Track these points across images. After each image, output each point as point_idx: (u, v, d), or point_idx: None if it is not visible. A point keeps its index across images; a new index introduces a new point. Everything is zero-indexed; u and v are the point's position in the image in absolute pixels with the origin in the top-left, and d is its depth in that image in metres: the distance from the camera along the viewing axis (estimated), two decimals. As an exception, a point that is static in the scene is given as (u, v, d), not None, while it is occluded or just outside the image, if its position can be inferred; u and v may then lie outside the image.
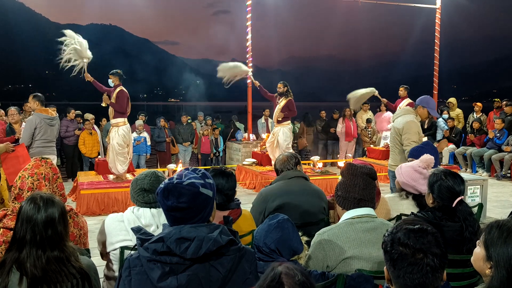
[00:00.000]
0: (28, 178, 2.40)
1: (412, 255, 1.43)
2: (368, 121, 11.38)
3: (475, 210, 2.85)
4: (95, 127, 9.77)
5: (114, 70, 6.97)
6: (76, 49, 6.49)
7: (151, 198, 2.46)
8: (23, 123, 6.13)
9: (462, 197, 2.47)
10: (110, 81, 6.92)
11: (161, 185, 1.66)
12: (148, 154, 10.02)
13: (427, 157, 3.09)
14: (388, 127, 11.04)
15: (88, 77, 6.69)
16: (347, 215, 2.28)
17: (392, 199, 3.16)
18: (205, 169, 1.85)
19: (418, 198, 3.04)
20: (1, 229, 2.30)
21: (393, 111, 9.75)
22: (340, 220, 2.31)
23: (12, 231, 2.27)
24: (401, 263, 1.44)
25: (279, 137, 8.22)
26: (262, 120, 11.79)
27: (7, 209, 2.41)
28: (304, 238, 2.22)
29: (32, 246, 1.81)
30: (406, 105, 9.13)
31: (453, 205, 2.44)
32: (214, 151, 10.78)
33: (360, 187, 2.25)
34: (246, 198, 6.88)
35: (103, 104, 6.89)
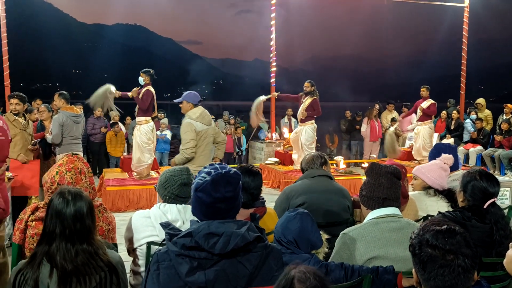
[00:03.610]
0: (66, 173, 2.46)
1: (442, 256, 1.40)
2: (393, 120, 11.25)
3: (505, 212, 2.78)
4: (121, 125, 9.93)
5: (147, 69, 7.09)
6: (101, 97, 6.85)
7: (189, 192, 2.48)
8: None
9: (495, 199, 2.41)
10: (141, 79, 7.04)
11: (206, 179, 1.66)
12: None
13: (446, 155, 3.35)
14: (408, 128, 10.91)
15: (118, 94, 6.93)
16: (372, 214, 2.26)
17: (417, 197, 3.14)
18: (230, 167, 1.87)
19: (449, 195, 3.07)
20: (34, 222, 2.37)
21: (413, 112, 9.60)
22: (365, 220, 2.29)
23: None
24: (432, 266, 1.41)
25: (302, 136, 8.19)
26: (285, 119, 11.77)
27: (39, 203, 2.47)
28: (324, 236, 2.20)
29: (62, 240, 1.85)
30: (428, 106, 9.00)
31: (485, 206, 2.39)
32: (237, 150, 10.82)
33: (385, 186, 2.23)
34: (269, 197, 6.87)
35: (130, 95, 7.04)
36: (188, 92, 5.04)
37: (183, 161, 4.72)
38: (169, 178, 2.51)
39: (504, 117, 10.52)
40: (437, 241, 1.42)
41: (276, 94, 8.48)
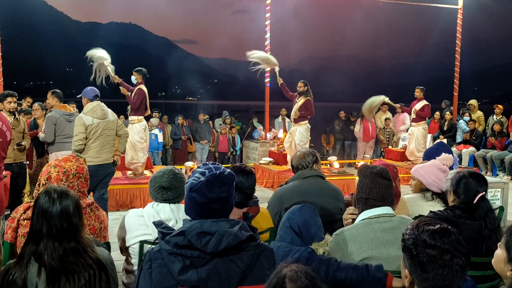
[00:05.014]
0: (52, 168, 2.46)
1: (440, 256, 1.41)
2: (386, 119, 11.31)
3: (496, 212, 2.81)
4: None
5: (139, 68, 7.08)
6: (97, 59, 6.59)
7: (170, 195, 2.49)
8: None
9: (484, 193, 2.44)
10: (133, 78, 7.05)
11: (200, 179, 1.66)
12: (160, 151, 10.11)
13: (446, 156, 3.13)
14: (401, 128, 10.97)
15: (116, 78, 6.82)
16: (364, 214, 2.28)
17: (414, 200, 3.04)
18: (224, 167, 1.87)
19: (445, 198, 2.89)
20: (26, 221, 2.36)
21: (409, 113, 9.69)
22: (357, 220, 2.31)
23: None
24: (431, 266, 1.42)
25: (295, 137, 8.20)
26: (279, 119, 11.80)
27: (31, 201, 2.47)
28: (328, 237, 2.16)
29: (49, 239, 1.84)
30: (422, 107, 9.07)
31: (475, 201, 2.42)
32: (232, 149, 10.82)
33: (368, 187, 2.24)
34: (263, 196, 6.89)
35: (122, 91, 7.02)
36: (86, 88, 5.38)
37: (74, 153, 4.99)
38: (152, 179, 2.55)
39: (495, 117, 10.61)
40: (435, 241, 1.43)
41: (281, 81, 8.45)
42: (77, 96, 5.42)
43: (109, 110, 5.37)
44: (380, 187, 2.24)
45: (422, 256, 1.43)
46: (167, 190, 2.49)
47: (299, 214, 2.12)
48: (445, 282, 1.41)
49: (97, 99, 5.28)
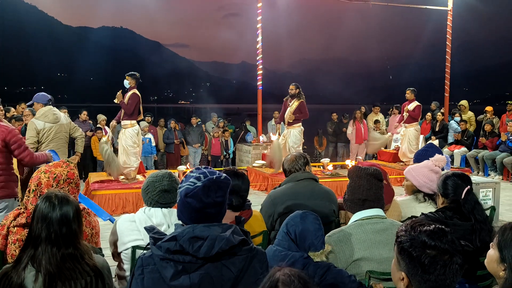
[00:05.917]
0: (42, 174, 2.44)
1: (440, 256, 1.42)
2: (376, 121, 11.36)
3: (487, 212, 2.82)
4: (107, 129, 9.82)
5: (132, 72, 7.04)
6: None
7: (171, 198, 2.47)
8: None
9: (469, 187, 2.48)
10: (126, 82, 6.97)
11: (196, 185, 1.65)
12: (154, 155, 10.06)
13: (439, 157, 3.14)
14: (398, 131, 11.03)
15: (109, 140, 7.12)
16: (356, 216, 2.28)
17: (407, 202, 3.04)
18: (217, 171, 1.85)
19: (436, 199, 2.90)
20: (15, 228, 2.34)
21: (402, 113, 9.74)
22: (349, 222, 2.31)
23: (25, 229, 2.30)
24: (433, 267, 1.42)
25: (289, 139, 8.22)
26: (272, 122, 11.80)
27: (21, 208, 2.44)
28: (328, 247, 2.13)
29: (47, 244, 1.84)
30: (413, 108, 9.13)
31: (462, 196, 2.44)
32: (224, 153, 10.80)
33: (365, 188, 2.25)
34: (256, 200, 6.86)
35: (116, 101, 6.99)
36: (37, 93, 5.66)
37: None
38: (150, 183, 2.50)
39: (487, 116, 10.77)
40: (434, 242, 1.43)
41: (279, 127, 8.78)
42: (27, 104, 5.71)
43: (62, 114, 5.64)
44: (376, 189, 2.26)
45: (423, 257, 1.42)
46: (169, 193, 2.47)
47: (299, 222, 2.11)
48: (446, 281, 1.41)
49: (50, 103, 5.52)
